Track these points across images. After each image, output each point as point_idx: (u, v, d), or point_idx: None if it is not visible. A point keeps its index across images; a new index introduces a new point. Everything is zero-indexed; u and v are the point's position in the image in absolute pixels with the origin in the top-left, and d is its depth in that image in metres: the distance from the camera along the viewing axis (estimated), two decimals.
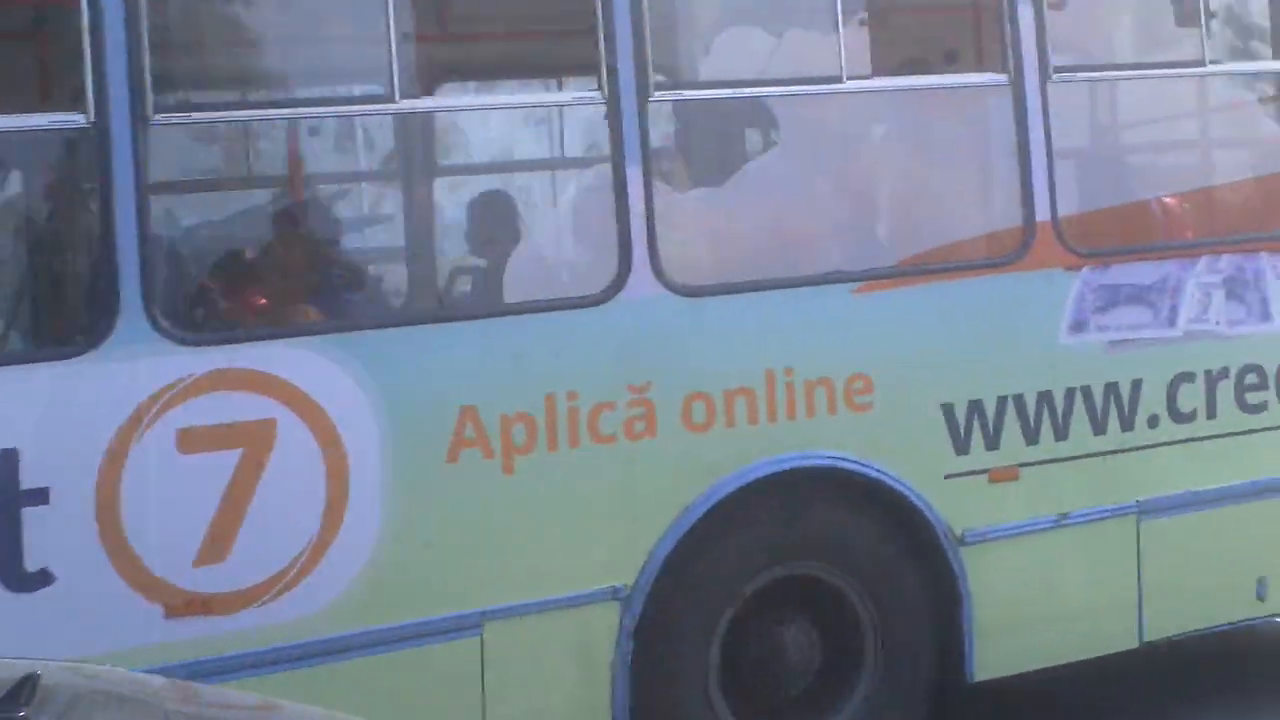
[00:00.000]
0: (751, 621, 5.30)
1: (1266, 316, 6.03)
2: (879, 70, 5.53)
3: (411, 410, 4.73)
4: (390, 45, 4.74)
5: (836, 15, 5.31)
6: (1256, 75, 6.59)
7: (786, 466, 5.22)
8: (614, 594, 4.98)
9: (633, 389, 4.99)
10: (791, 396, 5.23)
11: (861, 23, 5.57)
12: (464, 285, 6.28)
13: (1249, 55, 6.68)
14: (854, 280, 5.38)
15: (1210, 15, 6.02)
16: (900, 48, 5.76)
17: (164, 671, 3.79)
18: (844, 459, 5.31)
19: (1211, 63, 6.10)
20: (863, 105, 5.73)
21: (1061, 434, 5.66)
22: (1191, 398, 5.88)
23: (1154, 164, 6.70)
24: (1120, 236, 6.07)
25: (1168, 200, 6.30)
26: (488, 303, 5.79)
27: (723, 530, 5.15)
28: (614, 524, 5.00)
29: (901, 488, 5.38)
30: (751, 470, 5.16)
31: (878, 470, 5.34)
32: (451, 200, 7.02)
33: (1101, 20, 6.19)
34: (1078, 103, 6.14)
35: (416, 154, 6.81)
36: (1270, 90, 6.63)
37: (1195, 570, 5.92)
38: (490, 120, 6.60)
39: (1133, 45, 6.40)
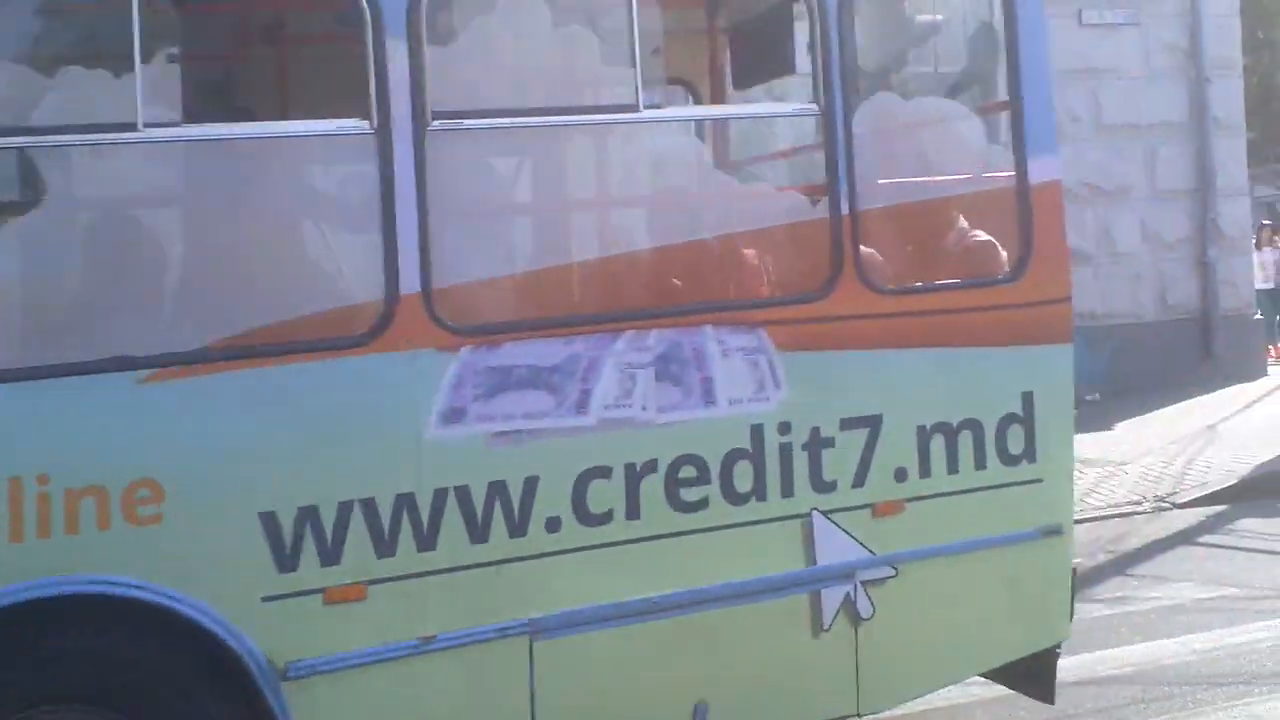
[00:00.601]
0: None
1: (709, 400, 5.22)
2: (192, 116, 4.66)
3: None
4: None
5: (134, 50, 4.43)
6: (702, 122, 5.80)
7: (28, 596, 4.32)
8: None
9: None
10: (45, 510, 4.34)
11: (172, 60, 4.72)
12: None
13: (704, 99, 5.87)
14: (141, 367, 4.50)
15: (645, 57, 5.21)
16: (228, 90, 4.89)
17: None
18: (115, 583, 4.42)
19: (648, 109, 5.31)
20: (168, 156, 4.82)
21: (427, 543, 4.82)
22: (606, 496, 5.06)
23: (570, 225, 5.85)
24: (517, 310, 5.25)
25: (583, 267, 5.47)
26: None
27: None
28: None
29: (198, 615, 4.50)
30: None
31: (164, 595, 4.46)
32: None
33: (505, 61, 5.33)
34: (468, 155, 5.29)
35: None
36: (717, 139, 5.82)
37: (608, 697, 5.10)
38: None
39: (548, 89, 5.51)
